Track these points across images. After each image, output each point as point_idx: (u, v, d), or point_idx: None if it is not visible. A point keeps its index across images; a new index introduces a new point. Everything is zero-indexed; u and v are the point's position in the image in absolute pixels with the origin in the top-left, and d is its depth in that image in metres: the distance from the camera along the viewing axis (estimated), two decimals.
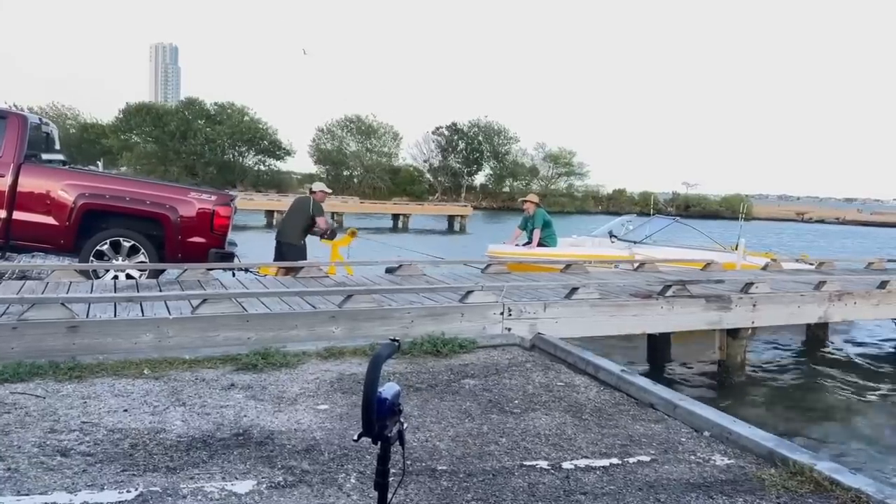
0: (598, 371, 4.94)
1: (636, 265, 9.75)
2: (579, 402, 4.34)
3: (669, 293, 7.04)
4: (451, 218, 39.87)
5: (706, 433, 3.94)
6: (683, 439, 3.82)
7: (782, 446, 3.62)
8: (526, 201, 11.66)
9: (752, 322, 7.68)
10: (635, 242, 11.87)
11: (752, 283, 7.71)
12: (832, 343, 10.43)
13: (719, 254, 11.50)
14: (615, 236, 12.43)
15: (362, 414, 1.91)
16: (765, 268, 10.70)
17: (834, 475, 3.22)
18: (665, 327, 7.29)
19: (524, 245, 11.31)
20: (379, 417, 1.93)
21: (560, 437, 3.69)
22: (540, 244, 11.14)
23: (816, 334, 10.16)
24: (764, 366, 8.90)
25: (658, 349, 8.46)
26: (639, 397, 4.51)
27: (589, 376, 4.95)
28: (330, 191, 9.96)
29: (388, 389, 2.04)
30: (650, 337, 8.28)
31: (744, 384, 7.89)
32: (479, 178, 68.24)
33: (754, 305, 7.57)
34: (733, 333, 7.80)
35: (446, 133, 66.90)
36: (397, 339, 2.10)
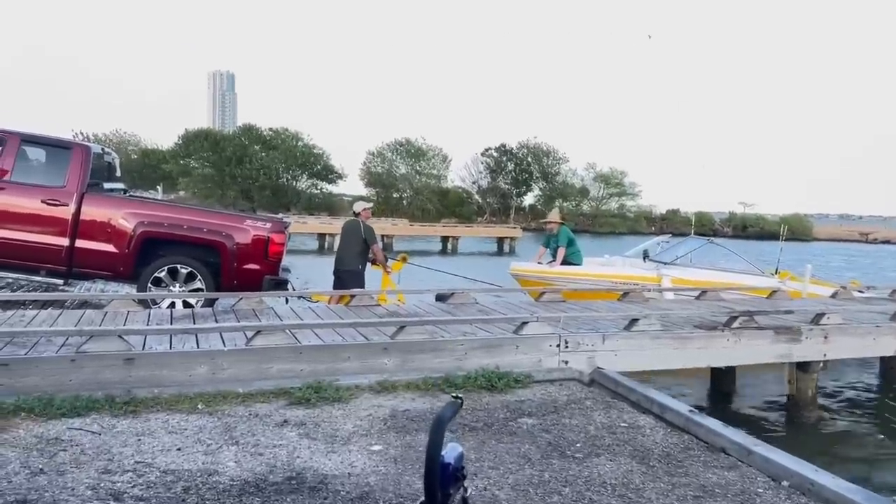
0: (664, 411, 4.68)
1: (698, 293, 9.38)
2: (646, 445, 4.10)
3: (736, 324, 6.71)
4: (500, 240, 39.62)
5: (785, 483, 3.66)
6: (761, 490, 3.55)
7: (872, 501, 3.32)
8: (549, 222, 11.55)
9: (824, 355, 7.27)
10: (665, 263, 11.53)
11: (823, 314, 7.31)
12: None
13: (756, 277, 11.08)
14: (648, 257, 12.12)
15: (425, 480, 1.78)
16: (833, 296, 10.18)
17: None
18: (731, 361, 6.95)
19: (548, 263, 11.21)
20: (442, 484, 1.80)
21: (627, 487, 3.47)
22: (565, 262, 11.02)
23: (893, 368, 9.58)
24: (837, 402, 8.41)
25: (723, 383, 8.09)
26: (709, 441, 4.24)
27: (654, 416, 4.70)
28: (371, 205, 9.97)
29: (450, 452, 1.90)
30: (714, 370, 7.92)
31: (816, 422, 7.46)
32: (529, 199, 67.99)
33: (826, 337, 7.16)
34: (804, 367, 7.40)
35: (495, 154, 66.93)
36: (460, 395, 1.97)
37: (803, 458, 3.94)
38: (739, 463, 3.91)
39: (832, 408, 8.14)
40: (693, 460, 3.93)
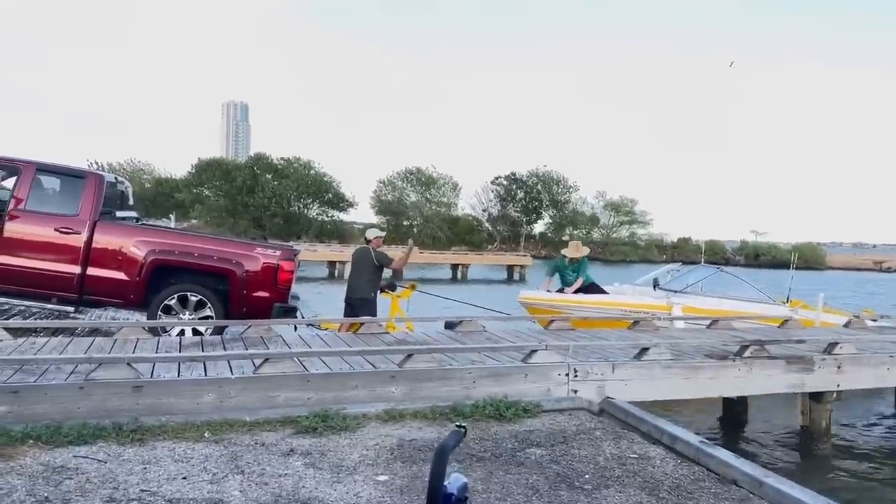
0: (674, 441, 4.62)
1: (709, 322, 9.30)
2: (655, 477, 4.05)
3: (747, 354, 6.65)
4: (510, 268, 39.59)
5: None
6: None
7: None
8: (575, 259, 11.46)
9: (838, 385, 7.16)
10: (675, 292, 11.49)
11: (836, 343, 7.22)
12: None
13: (767, 305, 11.03)
14: (659, 285, 12.10)
15: None
16: (847, 325, 10.07)
17: None
18: (743, 391, 6.87)
19: (557, 291, 11.23)
20: None
21: None
22: (586, 289, 11.07)
23: None
24: (851, 433, 8.27)
25: (735, 413, 7.98)
26: (720, 472, 4.18)
27: (664, 447, 4.64)
28: (383, 233, 9.97)
29: (454, 483, 1.88)
30: (726, 400, 7.83)
31: (829, 453, 7.33)
32: (539, 227, 68.10)
33: (839, 367, 7.07)
34: (817, 397, 7.30)
35: (505, 182, 67.27)
36: (464, 425, 1.95)
37: (816, 490, 3.88)
38: (751, 495, 3.85)
39: (846, 439, 8.00)
40: (704, 492, 3.87)
